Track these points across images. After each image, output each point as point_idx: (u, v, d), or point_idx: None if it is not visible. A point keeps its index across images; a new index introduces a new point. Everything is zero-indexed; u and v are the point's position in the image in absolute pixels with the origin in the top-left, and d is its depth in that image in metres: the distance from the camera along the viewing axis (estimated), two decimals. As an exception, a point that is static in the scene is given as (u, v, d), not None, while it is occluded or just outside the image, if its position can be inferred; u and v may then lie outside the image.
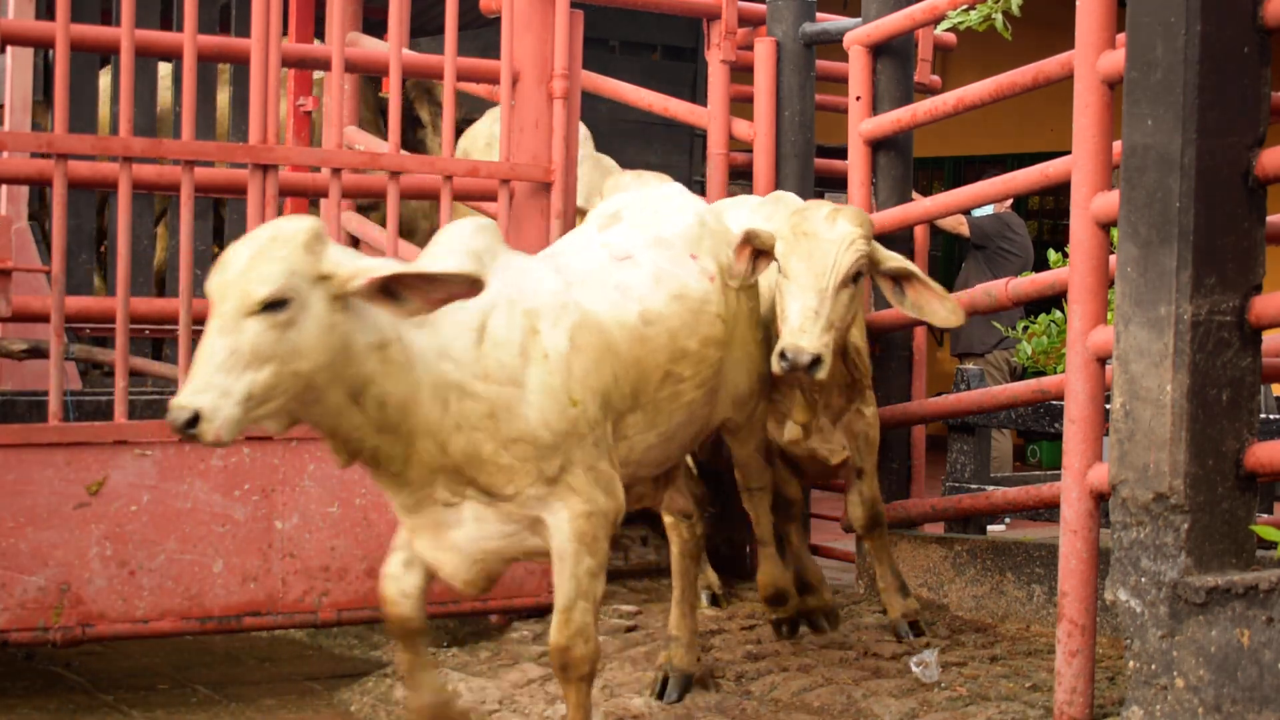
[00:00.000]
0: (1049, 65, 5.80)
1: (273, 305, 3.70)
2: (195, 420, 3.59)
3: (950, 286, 10.71)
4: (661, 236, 4.92)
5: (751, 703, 5.14)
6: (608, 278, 4.65)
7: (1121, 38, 4.47)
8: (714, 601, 6.48)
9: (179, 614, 5.45)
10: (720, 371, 4.96)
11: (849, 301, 5.08)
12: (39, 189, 7.45)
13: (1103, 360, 4.69)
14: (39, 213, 7.95)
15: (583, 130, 7.14)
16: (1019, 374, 9.31)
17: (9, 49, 6.57)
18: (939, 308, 5.16)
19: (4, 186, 6.36)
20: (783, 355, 4.88)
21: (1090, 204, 4.69)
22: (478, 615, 6.10)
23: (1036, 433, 10.42)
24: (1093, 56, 4.69)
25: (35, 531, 5.24)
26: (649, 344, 4.62)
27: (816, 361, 4.89)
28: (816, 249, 5.02)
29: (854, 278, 5.06)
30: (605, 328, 4.48)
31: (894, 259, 5.18)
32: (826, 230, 5.04)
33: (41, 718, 5.14)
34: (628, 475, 4.63)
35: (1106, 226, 4.70)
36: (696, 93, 9.97)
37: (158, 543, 5.39)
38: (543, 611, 6.12)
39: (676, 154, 10.27)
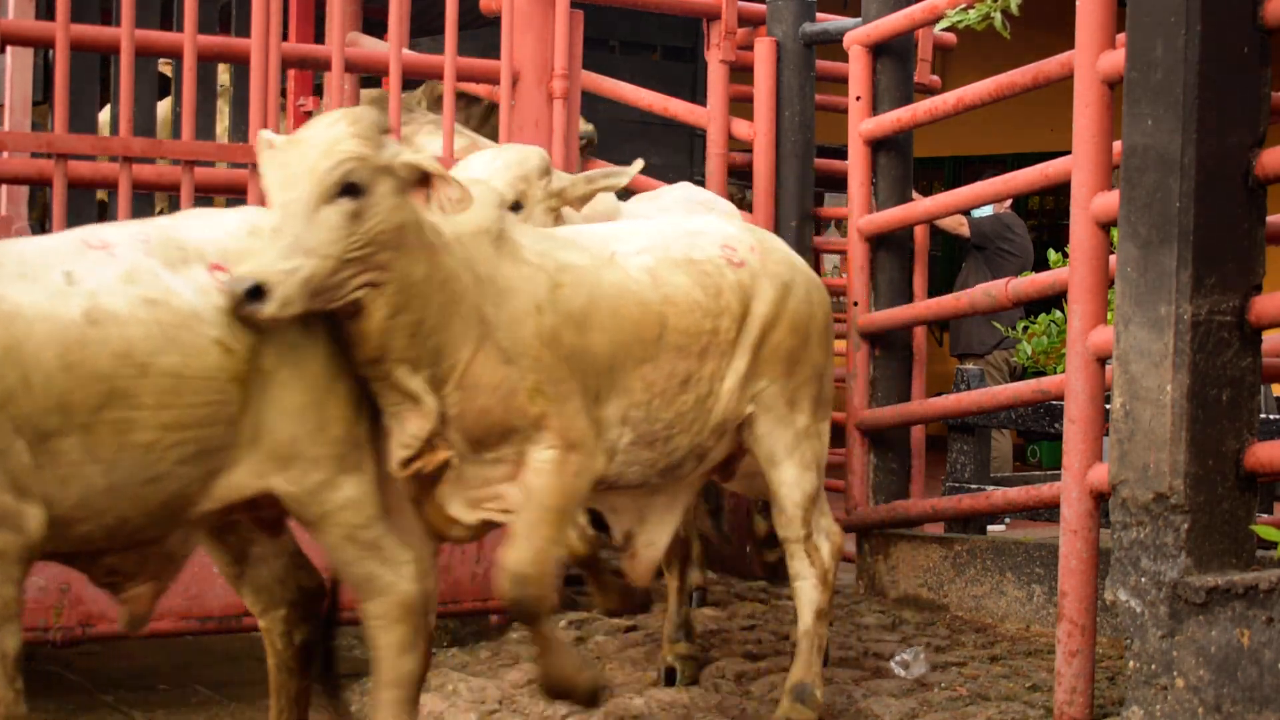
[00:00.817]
0: (1049, 65, 5.81)
1: None
2: None
3: (950, 287, 10.77)
4: (180, 239, 3.89)
5: (752, 703, 5.14)
6: (59, 264, 3.71)
7: (1121, 38, 4.48)
8: (703, 601, 6.43)
9: (179, 614, 5.44)
10: (229, 419, 3.81)
11: (341, 224, 3.83)
12: (39, 189, 7.44)
13: (1103, 360, 4.69)
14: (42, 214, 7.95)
15: None
16: (1019, 374, 9.32)
17: (9, 49, 6.55)
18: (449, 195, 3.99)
19: (4, 186, 6.34)
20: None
21: (1090, 204, 4.69)
22: (478, 615, 6.09)
23: (1036, 433, 10.42)
24: (1093, 56, 4.69)
25: (35, 531, 5.23)
26: (89, 349, 3.61)
27: (258, 291, 3.72)
28: (295, 156, 3.88)
29: (346, 191, 3.84)
30: (23, 320, 3.58)
31: (405, 158, 3.99)
32: (317, 133, 3.91)
33: (41, 718, 5.13)
34: (68, 529, 3.72)
35: (1106, 226, 4.70)
36: (696, 93, 9.96)
37: (158, 543, 5.38)
38: (543, 611, 6.11)
39: (676, 154, 10.27)
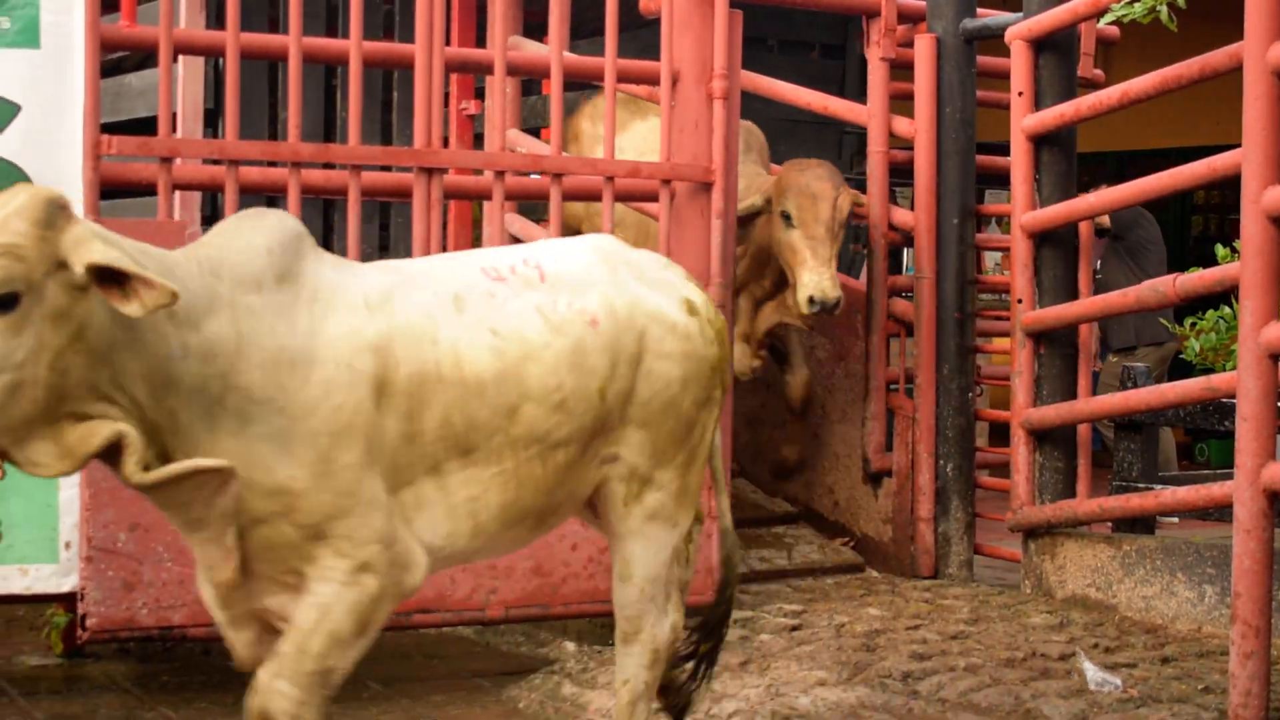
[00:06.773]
0: (1216, 57, 5.71)
1: None
2: None
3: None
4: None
5: (919, 702, 5.12)
6: None
7: (1293, 29, 4.40)
8: None
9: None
10: None
11: None
12: (212, 194, 7.60)
13: (1275, 357, 4.61)
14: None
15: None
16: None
17: (181, 58, 6.70)
18: None
19: (178, 192, 6.49)
20: None
21: (1261, 198, 4.61)
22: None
23: (1205, 430, 10.27)
24: (1262, 48, 4.61)
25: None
26: None
27: None
28: None
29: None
30: None
31: None
32: None
33: (221, 711, 5.26)
34: None
35: (1278, 221, 4.62)
36: (845, 89, 9.96)
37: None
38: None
39: (825, 151, 10.23)
